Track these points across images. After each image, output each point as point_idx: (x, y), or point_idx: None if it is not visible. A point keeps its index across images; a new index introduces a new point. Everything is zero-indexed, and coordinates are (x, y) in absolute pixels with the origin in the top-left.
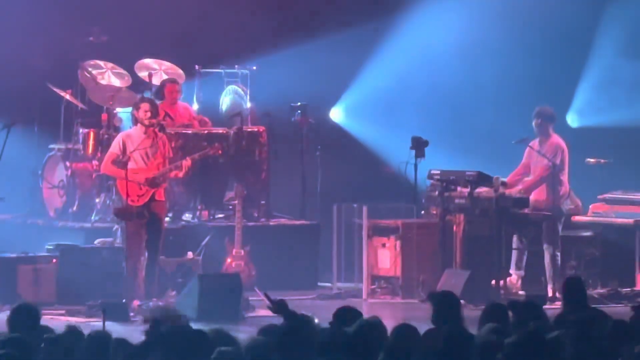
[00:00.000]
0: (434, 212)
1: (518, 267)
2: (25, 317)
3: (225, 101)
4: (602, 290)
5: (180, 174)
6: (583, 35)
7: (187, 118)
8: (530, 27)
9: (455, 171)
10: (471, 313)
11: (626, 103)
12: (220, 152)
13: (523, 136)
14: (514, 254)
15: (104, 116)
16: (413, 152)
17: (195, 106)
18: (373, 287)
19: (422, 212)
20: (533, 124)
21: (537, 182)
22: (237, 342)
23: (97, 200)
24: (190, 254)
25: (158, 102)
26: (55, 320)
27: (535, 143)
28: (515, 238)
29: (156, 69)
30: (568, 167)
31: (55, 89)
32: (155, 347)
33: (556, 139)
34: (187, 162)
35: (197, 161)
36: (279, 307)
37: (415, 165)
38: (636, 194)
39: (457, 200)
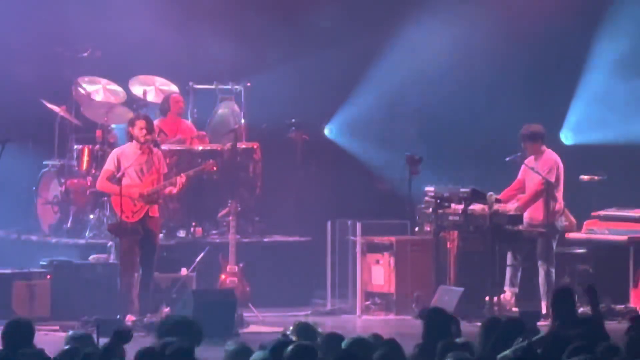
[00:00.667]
0: (428, 228)
1: (512, 284)
2: (19, 332)
3: (215, 119)
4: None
5: (175, 191)
6: (577, 52)
7: (188, 134)
8: (524, 43)
9: (449, 188)
10: (465, 329)
11: (620, 120)
12: (214, 168)
13: (517, 153)
14: (508, 270)
15: (99, 132)
16: (407, 169)
17: (190, 123)
18: (367, 303)
19: (416, 228)
20: (522, 146)
21: (531, 199)
22: None
23: (91, 216)
24: (184, 270)
25: (161, 116)
26: (50, 336)
27: (530, 160)
28: (509, 255)
29: (150, 85)
30: (562, 183)
31: (49, 105)
32: None
33: (551, 155)
34: (181, 179)
35: (192, 178)
36: None
37: (409, 182)
38: (630, 210)
39: (451, 217)
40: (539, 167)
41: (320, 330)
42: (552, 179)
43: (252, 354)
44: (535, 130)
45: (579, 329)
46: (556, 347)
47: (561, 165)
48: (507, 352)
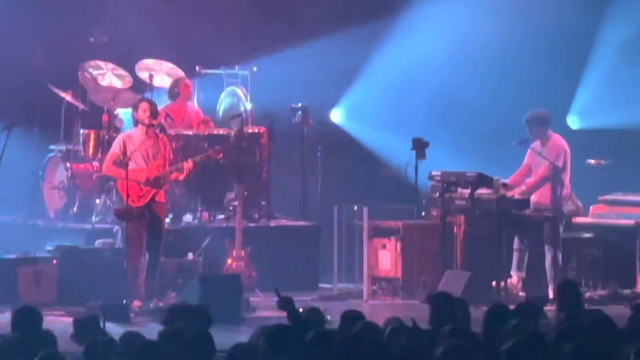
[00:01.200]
0: (435, 213)
1: (519, 269)
2: (28, 319)
3: (223, 104)
4: (602, 292)
5: (181, 177)
6: (584, 36)
7: (195, 119)
8: (531, 28)
9: (456, 172)
10: (472, 313)
11: (627, 104)
12: (220, 155)
13: (523, 137)
14: (515, 255)
15: (105, 117)
16: (413, 153)
17: (198, 108)
18: (373, 288)
19: (423, 213)
20: (528, 132)
21: (538, 184)
22: None
23: (97, 201)
24: (190, 255)
25: (170, 101)
26: (56, 321)
27: (537, 144)
28: (516, 239)
29: (157, 70)
30: (570, 168)
31: (55, 90)
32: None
33: (558, 139)
34: (188, 165)
35: (198, 164)
36: (285, 304)
37: (416, 167)
38: (637, 195)
39: (457, 202)
40: (546, 152)
41: (328, 317)
42: (560, 164)
43: None
44: (541, 115)
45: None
46: (564, 339)
47: (568, 150)
48: (510, 342)
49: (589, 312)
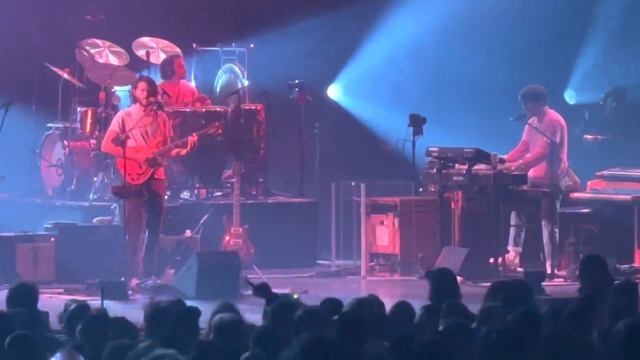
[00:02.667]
0: (432, 189)
1: (516, 244)
2: (24, 296)
3: (220, 81)
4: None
5: (183, 152)
6: (581, 11)
7: (190, 97)
8: (529, 2)
9: (453, 148)
10: (470, 289)
11: (623, 79)
12: (220, 130)
13: (521, 114)
14: (512, 230)
15: (102, 95)
16: (411, 129)
17: (192, 84)
18: (371, 264)
19: (420, 189)
20: (524, 107)
21: (536, 160)
22: None
23: (95, 178)
24: (188, 232)
25: (164, 79)
26: (54, 299)
27: (534, 120)
28: (513, 215)
29: (154, 47)
30: (567, 143)
31: (53, 68)
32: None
33: (554, 115)
34: (193, 139)
35: (199, 139)
36: (260, 290)
37: (413, 143)
38: (634, 170)
39: (455, 178)
40: (543, 128)
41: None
42: (557, 140)
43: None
44: (537, 91)
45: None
46: (584, 313)
47: (565, 126)
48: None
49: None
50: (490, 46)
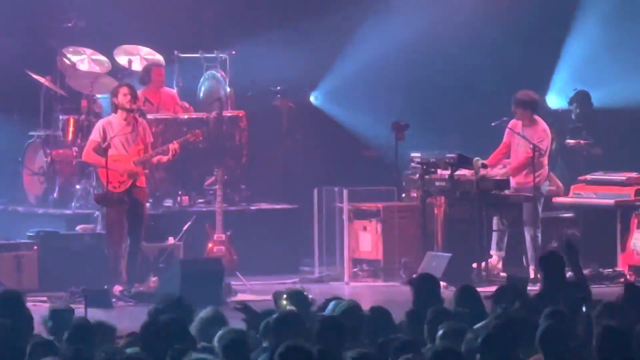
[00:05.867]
0: (415, 194)
1: (499, 248)
2: (10, 303)
3: (202, 88)
4: (583, 271)
5: (165, 159)
6: (562, 16)
7: (171, 105)
8: (509, 7)
9: (435, 153)
10: (452, 295)
11: (605, 84)
12: (201, 137)
13: (502, 118)
14: (494, 235)
15: (84, 102)
16: (393, 135)
17: (174, 91)
18: (354, 270)
19: (403, 195)
20: (512, 109)
21: (521, 166)
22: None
23: (77, 186)
24: (171, 240)
25: (142, 87)
26: (38, 307)
27: (517, 125)
28: (495, 220)
29: (135, 55)
30: (549, 150)
31: (34, 76)
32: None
33: (543, 125)
34: (174, 146)
35: (179, 146)
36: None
37: (396, 149)
38: (617, 174)
39: (437, 183)
40: (529, 135)
41: (310, 297)
42: (543, 148)
43: (224, 322)
44: (527, 98)
45: (565, 292)
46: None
47: (550, 136)
48: (483, 322)
49: (571, 283)
50: (471, 52)
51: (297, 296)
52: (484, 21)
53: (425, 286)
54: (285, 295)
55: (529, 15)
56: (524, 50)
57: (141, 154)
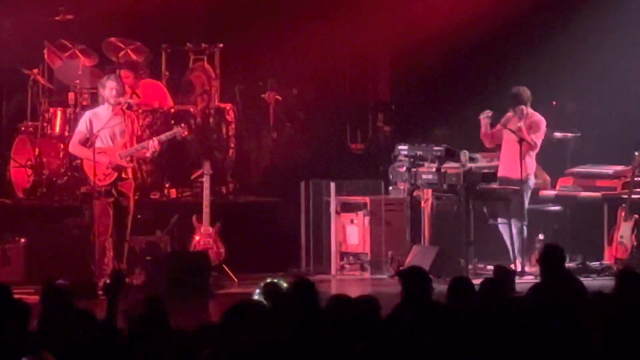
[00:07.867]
0: (402, 187)
1: (519, 254)
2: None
3: (189, 80)
4: (570, 264)
5: (147, 154)
6: (552, 14)
7: (159, 97)
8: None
9: (422, 146)
10: (441, 287)
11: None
12: (185, 133)
13: (492, 110)
14: (509, 245)
15: (71, 95)
16: (380, 128)
17: (162, 84)
18: (342, 263)
19: (390, 188)
20: (508, 102)
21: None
22: None
23: (65, 179)
24: (158, 233)
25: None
26: (25, 300)
27: (513, 120)
28: (504, 228)
29: (123, 48)
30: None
31: (21, 69)
32: None
33: (537, 117)
34: (153, 143)
35: (163, 143)
36: None
37: (383, 142)
38: (604, 167)
39: (424, 176)
40: (527, 125)
41: (285, 285)
42: (538, 142)
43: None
44: (518, 93)
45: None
46: (539, 303)
47: (544, 130)
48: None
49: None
50: (460, 44)
51: (270, 287)
52: (472, 14)
53: (414, 279)
54: (260, 287)
55: (518, 9)
56: (512, 42)
57: (127, 146)
